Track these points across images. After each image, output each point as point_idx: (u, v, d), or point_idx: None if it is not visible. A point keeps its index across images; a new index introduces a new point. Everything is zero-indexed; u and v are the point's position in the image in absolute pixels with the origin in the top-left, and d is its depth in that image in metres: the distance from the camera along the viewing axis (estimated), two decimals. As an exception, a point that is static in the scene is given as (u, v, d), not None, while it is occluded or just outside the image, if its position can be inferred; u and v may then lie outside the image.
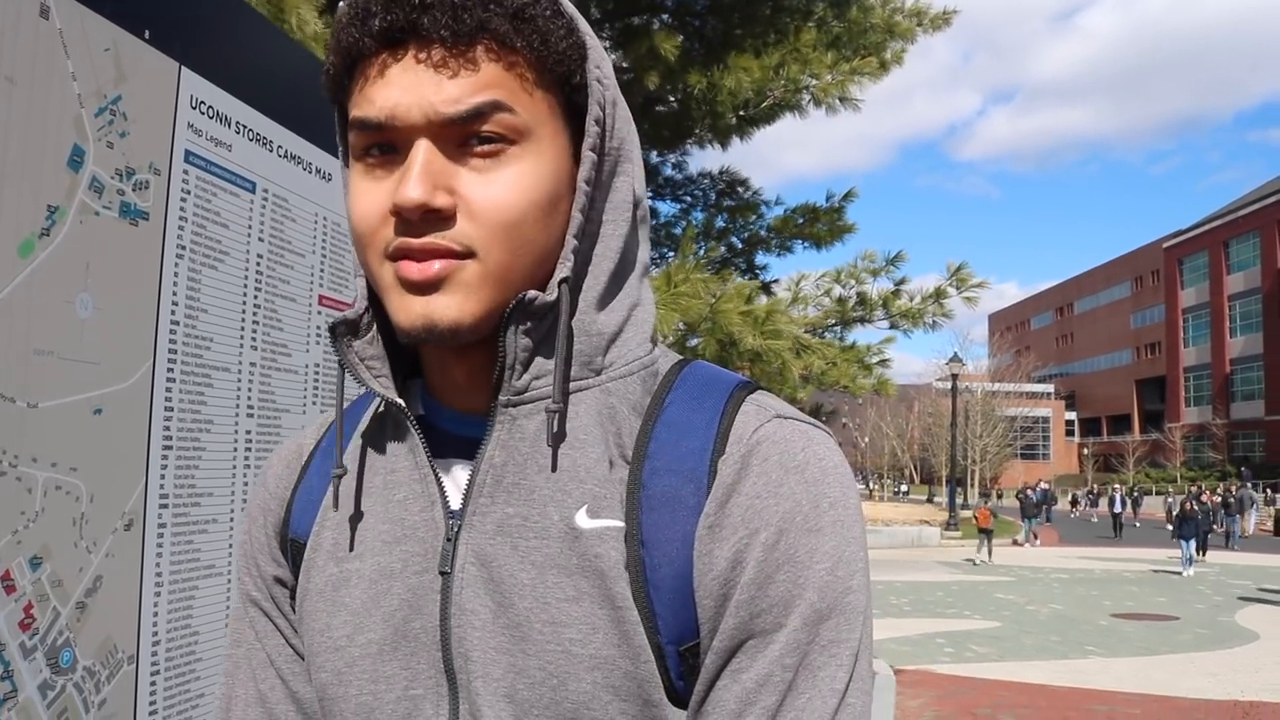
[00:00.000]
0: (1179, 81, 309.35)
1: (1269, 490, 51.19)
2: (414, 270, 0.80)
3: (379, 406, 0.97)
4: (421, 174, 0.79)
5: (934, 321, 6.95)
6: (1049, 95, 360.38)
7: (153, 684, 1.39)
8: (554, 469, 0.84)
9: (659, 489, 0.83)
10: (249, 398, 1.63)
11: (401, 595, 0.87)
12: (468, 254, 0.80)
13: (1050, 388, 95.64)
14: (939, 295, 6.90)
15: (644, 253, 0.96)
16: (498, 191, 0.81)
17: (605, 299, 0.90)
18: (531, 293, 0.82)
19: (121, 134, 1.36)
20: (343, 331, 0.90)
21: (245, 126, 1.63)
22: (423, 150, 0.80)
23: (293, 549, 0.98)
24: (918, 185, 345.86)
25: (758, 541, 0.81)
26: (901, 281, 6.99)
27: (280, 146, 1.73)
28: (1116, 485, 37.49)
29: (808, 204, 8.20)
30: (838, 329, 7.07)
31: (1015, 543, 27.71)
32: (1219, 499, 34.20)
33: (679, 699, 0.82)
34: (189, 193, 1.49)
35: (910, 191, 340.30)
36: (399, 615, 0.87)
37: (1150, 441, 76.27)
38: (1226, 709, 9.41)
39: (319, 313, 1.85)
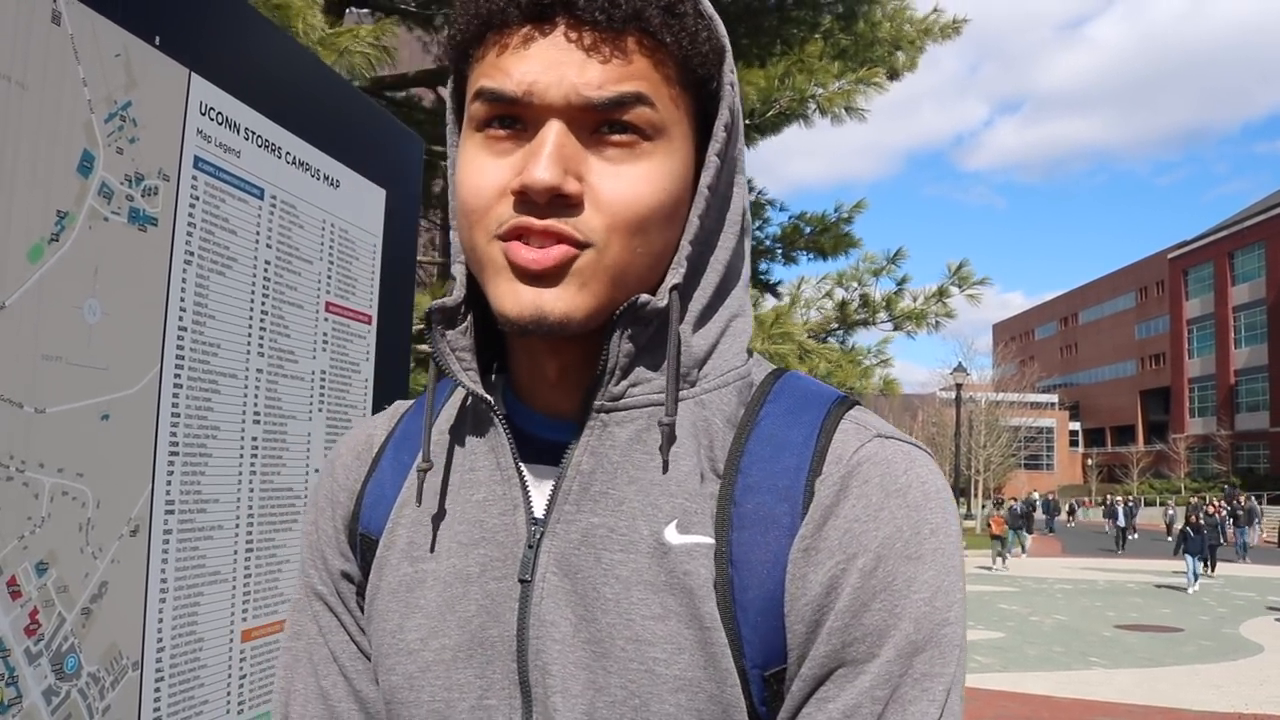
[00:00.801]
0: (1186, 92, 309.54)
1: (1270, 503, 51.10)
2: (529, 257, 0.77)
3: (461, 401, 0.94)
4: (554, 156, 0.76)
5: (937, 321, 6.97)
6: (1056, 106, 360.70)
7: (157, 690, 1.39)
8: (664, 469, 0.81)
9: (751, 507, 0.80)
10: (255, 404, 1.63)
11: (479, 601, 0.85)
12: (586, 244, 0.78)
13: (1054, 398, 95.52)
14: (941, 294, 6.91)
15: (746, 265, 0.94)
16: (627, 186, 0.78)
17: (708, 311, 0.87)
18: (645, 296, 0.80)
19: (131, 140, 1.36)
20: (438, 319, 0.86)
21: (254, 133, 1.63)
22: (556, 131, 0.77)
23: (362, 544, 0.95)
24: (925, 195, 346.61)
25: (855, 567, 0.77)
26: (903, 281, 7.01)
27: (289, 153, 1.73)
28: (1119, 497, 37.34)
29: (817, 214, 8.20)
30: (840, 333, 7.06)
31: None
32: (1225, 511, 34.08)
33: None
34: (198, 199, 1.49)
35: (917, 201, 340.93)
36: (475, 622, 0.84)
37: (1154, 452, 76.10)
38: (1231, 721, 9.39)
39: (326, 319, 1.85)
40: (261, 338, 1.65)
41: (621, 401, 0.83)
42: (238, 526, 1.58)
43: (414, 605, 0.87)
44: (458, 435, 0.91)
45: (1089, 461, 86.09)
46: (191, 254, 1.48)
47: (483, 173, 0.79)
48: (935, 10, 8.76)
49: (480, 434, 0.89)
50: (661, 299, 0.81)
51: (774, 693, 0.79)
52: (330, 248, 1.87)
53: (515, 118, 0.78)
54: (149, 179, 1.39)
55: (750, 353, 0.92)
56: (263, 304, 1.65)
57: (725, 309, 0.89)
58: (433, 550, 0.88)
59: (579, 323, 0.78)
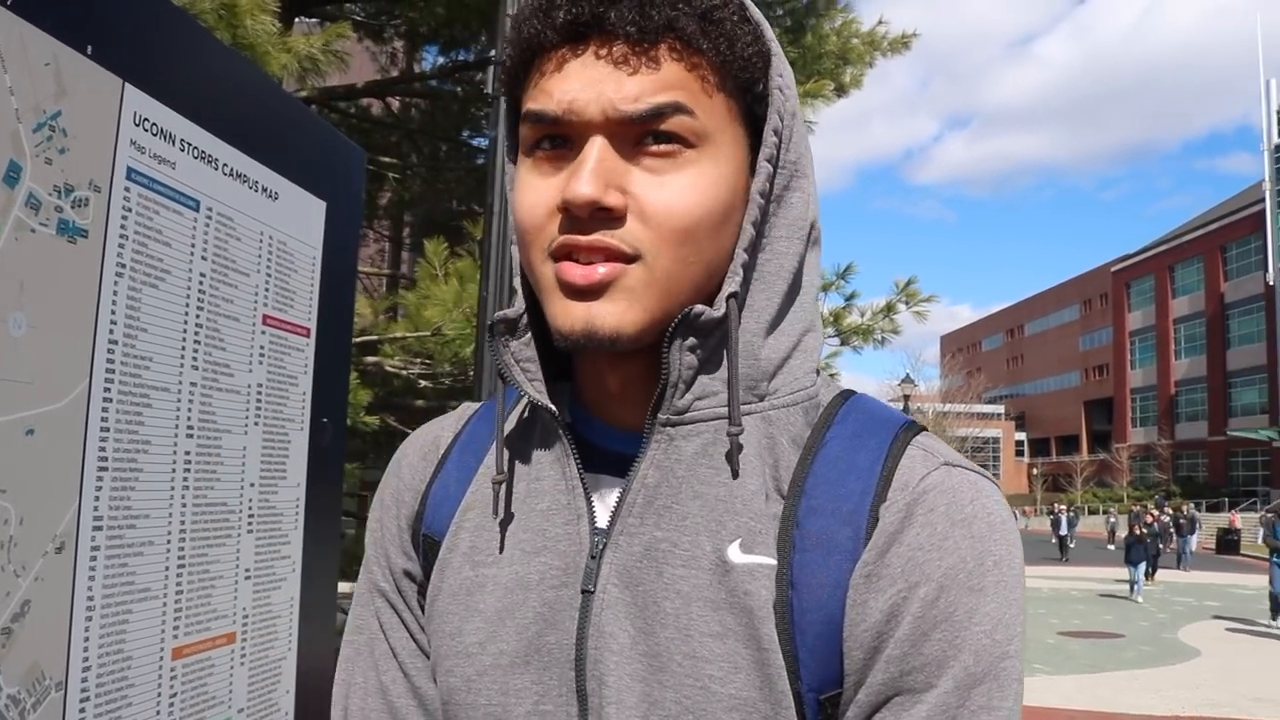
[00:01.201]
0: (1131, 110, 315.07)
1: (1209, 509, 52.05)
2: (577, 274, 0.78)
3: (525, 410, 0.95)
4: (595, 170, 0.77)
5: (883, 338, 7.03)
6: (1004, 121, 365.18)
7: (82, 711, 1.36)
8: (730, 486, 0.82)
9: (814, 529, 0.81)
10: (189, 418, 1.61)
11: (537, 608, 0.86)
12: (634, 257, 0.78)
13: (1001, 409, 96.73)
14: (889, 310, 6.97)
15: (816, 276, 0.93)
16: (671, 195, 0.79)
17: (776, 321, 0.87)
18: (699, 306, 0.80)
19: (61, 150, 1.34)
20: (501, 330, 0.89)
21: (190, 144, 1.61)
22: (597, 147, 0.78)
23: (425, 545, 0.96)
24: (875, 208, 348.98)
25: (916, 596, 0.78)
26: (852, 297, 7.06)
27: (226, 165, 1.71)
28: (1061, 506, 37.79)
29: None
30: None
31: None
32: (1167, 519, 34.59)
33: None
34: (130, 210, 1.47)
35: (868, 214, 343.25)
36: (533, 628, 0.86)
37: (1098, 461, 77.28)
38: (1169, 727, 9.56)
39: (263, 332, 1.83)
40: (196, 351, 1.62)
41: (687, 415, 0.83)
42: (169, 542, 1.56)
43: (474, 609, 0.89)
44: (524, 444, 0.92)
45: (1034, 471, 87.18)
46: (124, 266, 1.46)
47: (533, 193, 0.82)
48: (881, 22, 8.84)
49: (546, 445, 0.90)
50: (719, 308, 0.81)
51: (828, 716, 0.79)
52: (268, 260, 1.85)
53: (561, 137, 0.80)
54: (79, 190, 1.37)
55: (818, 372, 0.92)
56: (197, 317, 1.63)
57: (796, 321, 0.89)
58: (496, 556, 0.89)
59: (631, 337, 0.79)
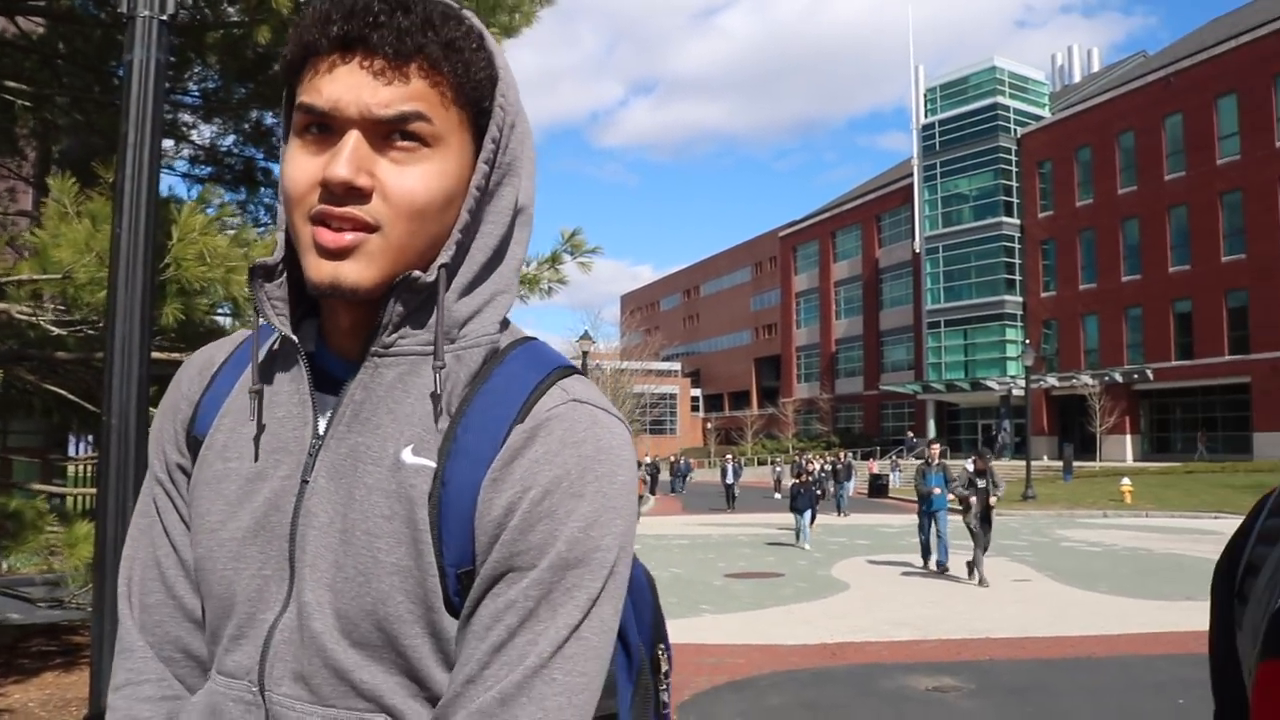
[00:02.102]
0: (804, 86, 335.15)
1: (866, 458, 56.62)
2: (329, 238, 1.00)
3: (276, 341, 1.14)
4: (350, 157, 0.99)
5: (550, 288, 7.05)
6: (688, 90, 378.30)
7: None
8: (422, 397, 1.06)
9: (466, 442, 1.02)
10: None
11: (267, 495, 1.08)
12: (376, 228, 1.00)
13: (677, 366, 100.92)
14: (554, 261, 7.01)
15: (520, 250, 1.15)
16: (409, 182, 1.01)
17: (473, 285, 1.09)
18: (415, 272, 1.03)
19: None
20: (259, 274, 1.09)
21: None
22: (353, 139, 0.99)
23: (194, 444, 1.17)
24: (561, 169, 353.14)
25: (527, 497, 0.99)
26: (519, 246, 7.04)
27: None
28: (728, 457, 39.91)
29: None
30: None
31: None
32: (828, 469, 37.07)
33: (454, 610, 1.01)
34: None
35: (553, 175, 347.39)
36: (262, 510, 1.08)
37: (766, 416, 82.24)
38: (817, 651, 10.31)
39: None
40: None
41: (391, 350, 1.06)
42: None
43: (219, 494, 1.11)
44: (273, 365, 1.13)
45: (708, 425, 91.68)
46: None
47: (300, 167, 1.02)
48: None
49: (288, 367, 1.12)
50: (431, 275, 1.04)
51: (464, 587, 1.01)
52: None
53: (326, 126, 1.01)
54: None
55: (507, 323, 1.15)
56: None
57: (490, 285, 1.11)
58: (241, 452, 1.11)
59: (367, 290, 1.01)
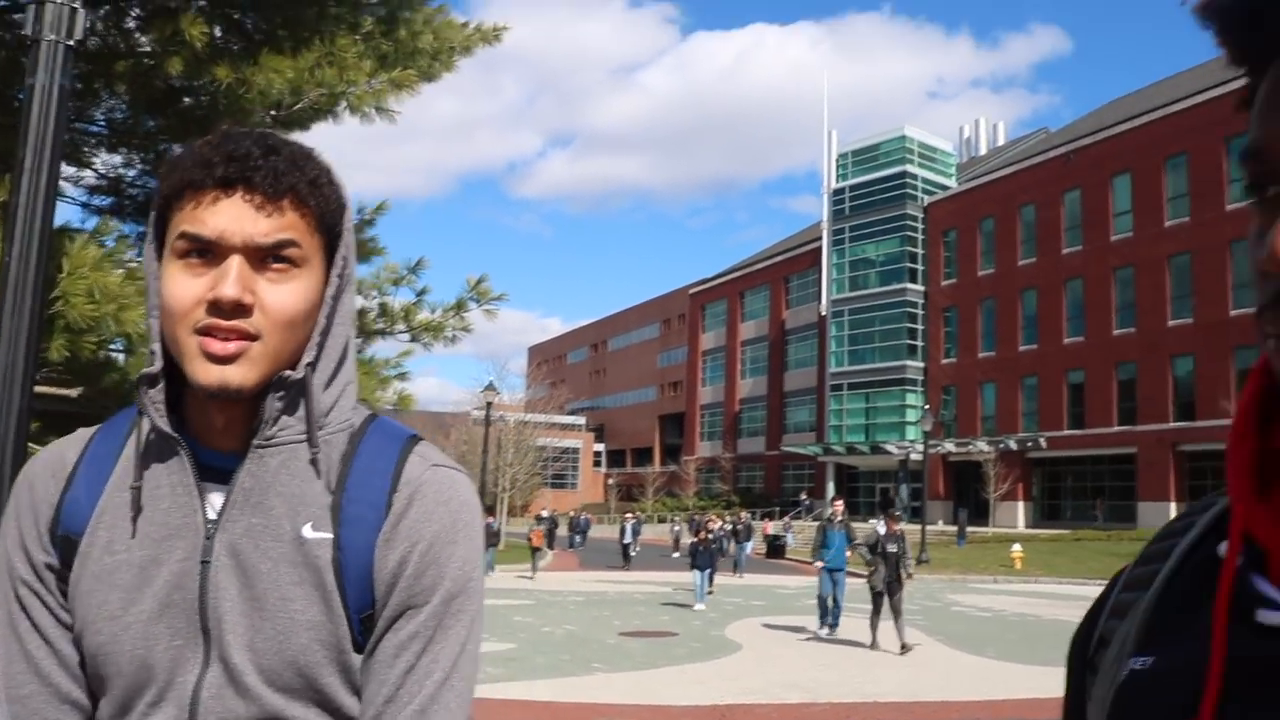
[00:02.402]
0: (721, 145, 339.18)
1: (765, 518, 56.92)
2: (217, 347, 1.15)
3: (148, 435, 1.25)
4: (237, 279, 1.14)
5: (454, 335, 6.97)
6: (606, 144, 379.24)
7: None
8: (302, 487, 1.23)
9: (351, 513, 1.22)
10: None
11: (167, 578, 1.20)
12: (256, 337, 1.17)
13: (582, 420, 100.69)
14: (459, 308, 6.93)
15: (354, 349, 1.34)
16: (283, 298, 1.19)
17: (332, 379, 1.28)
18: (287, 372, 1.21)
19: None
20: (144, 381, 1.22)
21: None
22: (237, 263, 1.16)
23: (64, 543, 1.25)
24: (476, 218, 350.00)
25: (416, 550, 1.23)
26: (423, 292, 6.93)
27: None
28: (627, 515, 39.67)
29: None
30: (358, 341, 6.90)
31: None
32: (729, 528, 37.09)
33: (359, 648, 1.22)
34: None
35: (468, 224, 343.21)
36: (164, 591, 1.20)
37: (668, 473, 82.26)
38: (708, 712, 10.28)
39: None
40: None
41: (272, 441, 1.23)
42: None
43: (114, 585, 1.20)
44: (147, 460, 1.24)
45: (610, 481, 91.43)
46: None
47: (185, 287, 1.16)
48: (476, 27, 8.87)
49: (164, 460, 1.24)
50: (300, 373, 1.22)
51: (366, 628, 1.22)
52: None
53: (206, 250, 1.15)
54: None
55: (357, 406, 1.34)
56: None
57: (343, 377, 1.30)
58: (129, 543, 1.22)
59: (250, 389, 1.18)
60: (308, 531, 1.20)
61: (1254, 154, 0.69)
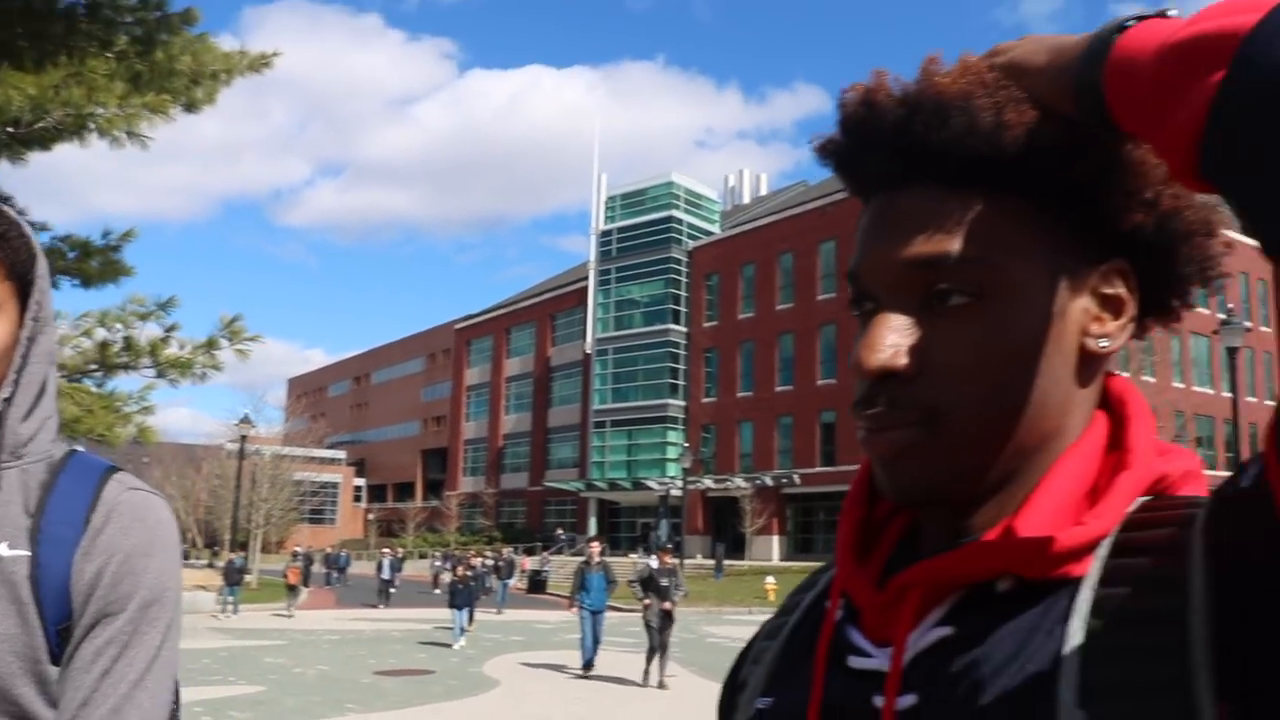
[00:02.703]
0: (492, 181, 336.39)
1: (526, 554, 56.81)
2: None
3: None
4: None
5: (204, 373, 6.77)
6: (377, 175, 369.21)
7: None
8: (5, 503, 1.29)
9: (51, 532, 1.28)
10: None
11: None
12: None
13: (342, 454, 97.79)
14: (211, 346, 6.74)
15: (54, 385, 1.42)
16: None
17: (29, 413, 1.35)
18: None
19: None
20: None
21: None
22: None
23: None
24: (238, 245, 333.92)
25: (113, 561, 1.29)
26: (172, 328, 6.70)
27: None
28: (385, 551, 38.74)
29: (81, 238, 7.60)
30: (99, 374, 6.59)
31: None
32: (491, 564, 36.79)
33: (55, 659, 1.26)
34: None
35: (230, 250, 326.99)
36: None
37: (431, 508, 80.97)
38: (461, 753, 10.21)
39: None
40: None
41: None
42: None
43: None
44: None
45: (370, 516, 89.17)
46: None
47: None
48: (242, 52, 8.67)
49: None
50: None
51: (64, 639, 1.27)
52: None
53: None
54: None
55: (55, 441, 1.41)
56: None
57: (41, 412, 1.37)
58: None
59: None
60: (3, 550, 1.25)
61: (852, 276, 0.82)
